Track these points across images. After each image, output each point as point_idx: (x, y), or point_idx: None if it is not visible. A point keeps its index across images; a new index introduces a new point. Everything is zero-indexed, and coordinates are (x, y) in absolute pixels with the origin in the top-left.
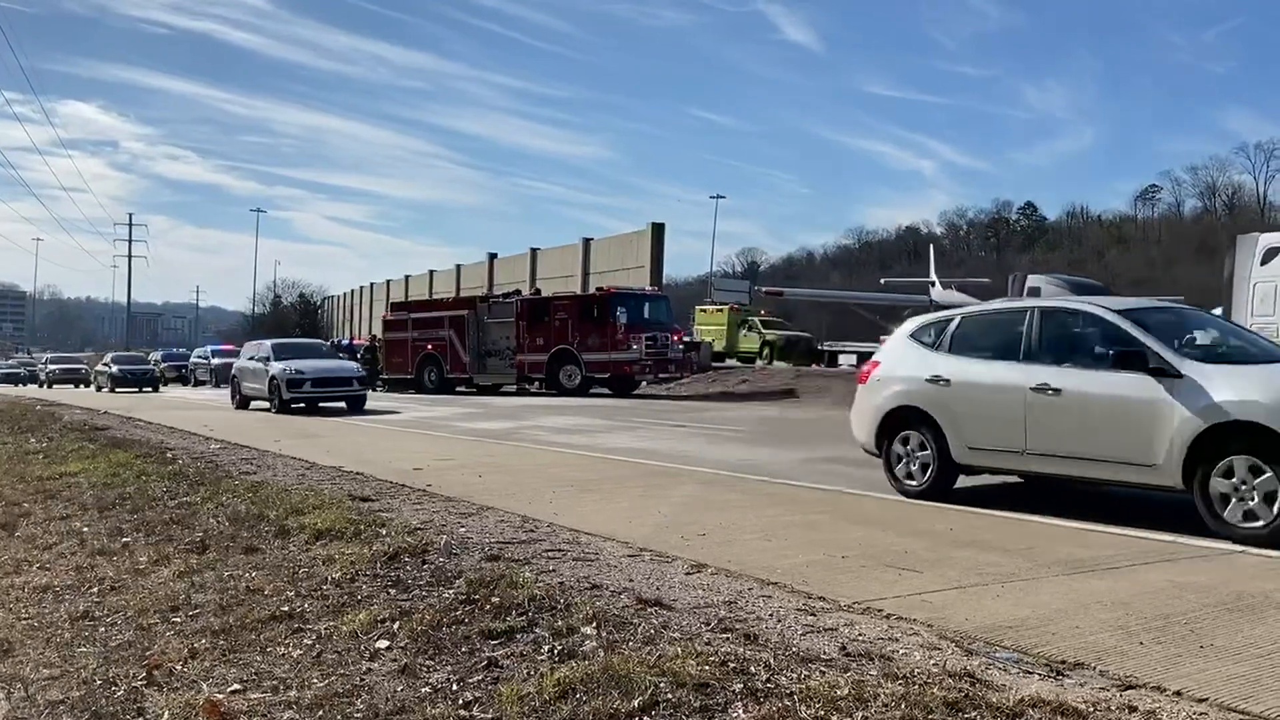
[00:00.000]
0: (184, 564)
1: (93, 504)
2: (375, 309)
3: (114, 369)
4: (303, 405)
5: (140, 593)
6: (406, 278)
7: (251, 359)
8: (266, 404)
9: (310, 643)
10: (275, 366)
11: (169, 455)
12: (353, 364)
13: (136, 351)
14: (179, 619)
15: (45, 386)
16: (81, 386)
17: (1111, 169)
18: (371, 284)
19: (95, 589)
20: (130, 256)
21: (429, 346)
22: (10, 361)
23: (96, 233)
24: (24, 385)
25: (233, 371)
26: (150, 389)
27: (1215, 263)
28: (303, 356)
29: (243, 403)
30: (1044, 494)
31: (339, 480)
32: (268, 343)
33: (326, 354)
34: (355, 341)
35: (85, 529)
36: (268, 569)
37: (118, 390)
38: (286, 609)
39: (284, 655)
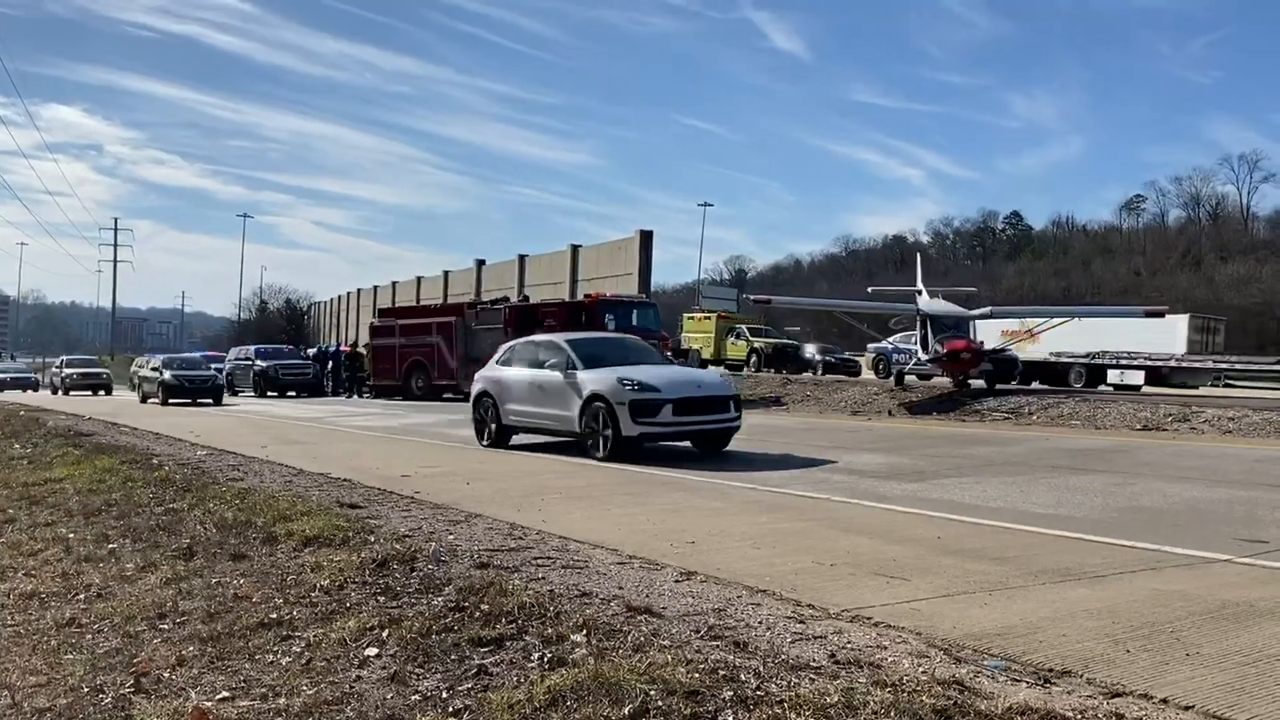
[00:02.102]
0: (171, 571)
1: (78, 510)
2: (363, 315)
3: (166, 375)
4: (651, 443)
5: (127, 600)
6: (394, 284)
7: (527, 365)
8: (563, 440)
9: (299, 650)
10: (593, 378)
11: (155, 461)
12: (716, 374)
13: (190, 353)
14: (166, 626)
15: (61, 393)
16: (101, 393)
17: (1098, 178)
18: (359, 290)
19: (82, 596)
20: (115, 261)
21: (417, 353)
22: (19, 364)
23: (81, 237)
24: (27, 391)
25: (480, 387)
26: (211, 401)
27: (1199, 273)
28: (618, 360)
29: (500, 437)
30: None
31: (326, 487)
32: (560, 338)
33: (653, 356)
34: (342, 348)
35: (71, 535)
36: (256, 576)
37: (170, 402)
38: (275, 616)
39: (273, 663)
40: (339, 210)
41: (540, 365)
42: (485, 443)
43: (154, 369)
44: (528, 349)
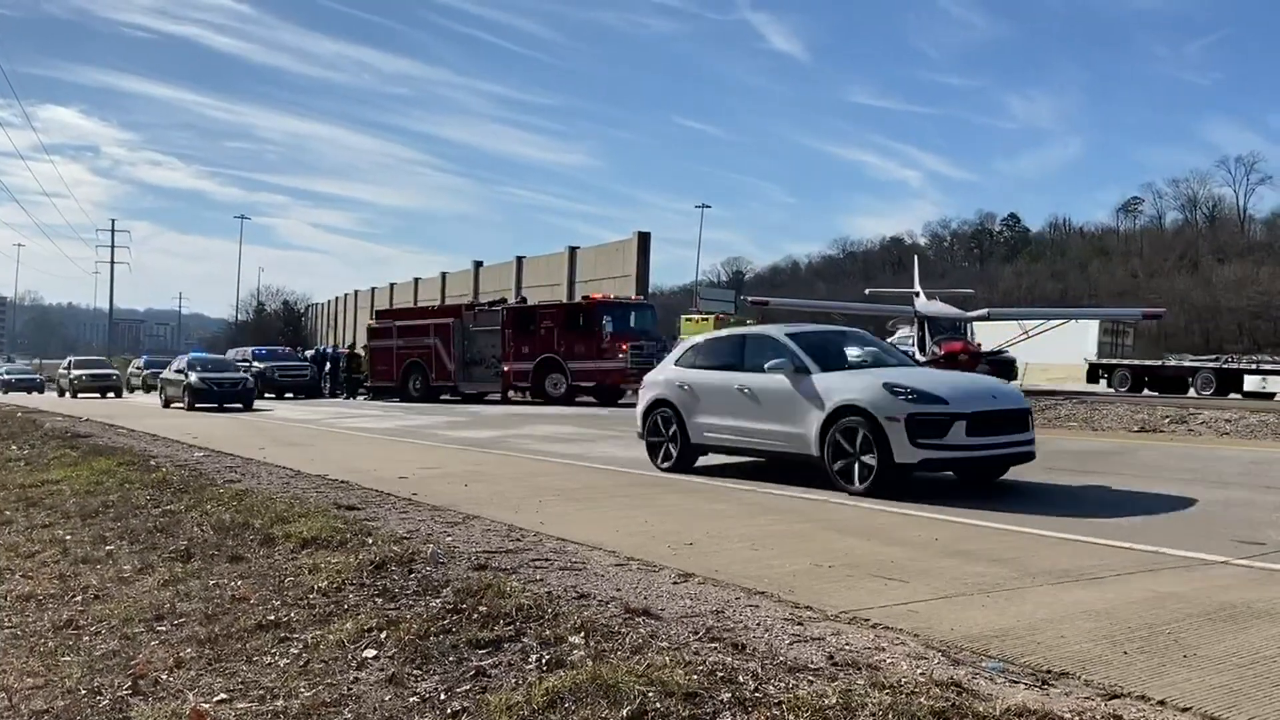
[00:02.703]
0: (168, 572)
1: (75, 512)
2: (360, 317)
3: (192, 378)
4: (929, 473)
5: (124, 601)
6: (391, 285)
7: (726, 367)
8: (756, 461)
9: (297, 652)
10: (842, 384)
11: (152, 463)
12: (1002, 381)
13: (215, 354)
14: (164, 628)
15: (69, 395)
16: (111, 395)
17: (1095, 180)
18: (356, 291)
19: (79, 597)
20: (113, 262)
21: (414, 355)
22: (24, 365)
23: (78, 238)
24: (31, 393)
25: (654, 394)
26: (242, 407)
27: (1196, 275)
28: (856, 360)
29: (685, 458)
30: None
31: (324, 489)
32: (776, 331)
33: (896, 354)
34: (340, 350)
35: (68, 537)
36: (253, 578)
37: (197, 407)
38: (273, 618)
39: (270, 664)
40: (336, 211)
41: (749, 368)
42: (664, 465)
43: (178, 371)
44: (725, 345)
